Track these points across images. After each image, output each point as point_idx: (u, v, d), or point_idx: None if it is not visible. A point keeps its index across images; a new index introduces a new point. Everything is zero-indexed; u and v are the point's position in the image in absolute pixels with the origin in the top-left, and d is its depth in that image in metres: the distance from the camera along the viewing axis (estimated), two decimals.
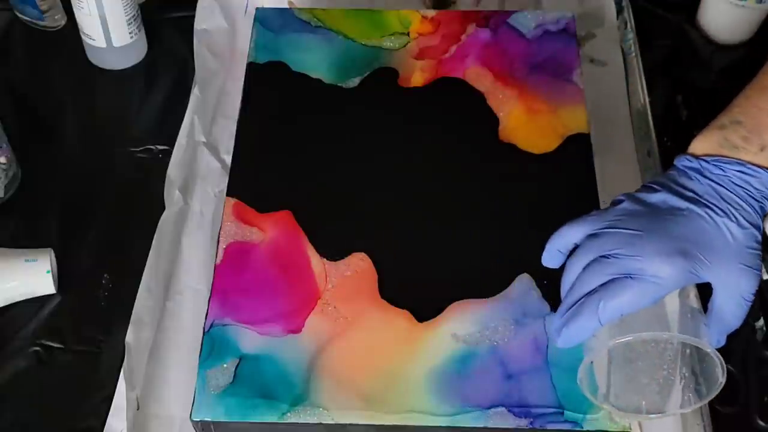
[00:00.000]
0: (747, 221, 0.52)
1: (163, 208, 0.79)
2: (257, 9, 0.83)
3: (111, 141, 0.86)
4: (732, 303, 0.53)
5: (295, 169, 0.73)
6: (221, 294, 0.65)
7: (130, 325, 0.72)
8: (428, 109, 0.76)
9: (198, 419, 0.60)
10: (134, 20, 0.89)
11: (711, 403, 0.69)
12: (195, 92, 0.88)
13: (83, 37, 0.90)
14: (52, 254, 0.74)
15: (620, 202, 0.55)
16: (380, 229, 0.69)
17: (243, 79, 0.79)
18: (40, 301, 0.74)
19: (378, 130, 0.75)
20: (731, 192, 0.53)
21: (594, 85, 0.81)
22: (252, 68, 0.79)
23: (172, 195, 0.80)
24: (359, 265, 0.67)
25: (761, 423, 0.69)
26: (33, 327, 0.73)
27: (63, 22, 0.95)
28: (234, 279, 0.66)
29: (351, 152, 0.74)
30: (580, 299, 0.53)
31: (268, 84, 0.78)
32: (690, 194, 0.53)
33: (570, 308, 0.54)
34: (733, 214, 0.52)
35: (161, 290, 0.75)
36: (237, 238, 0.68)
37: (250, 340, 0.63)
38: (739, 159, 0.53)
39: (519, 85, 0.77)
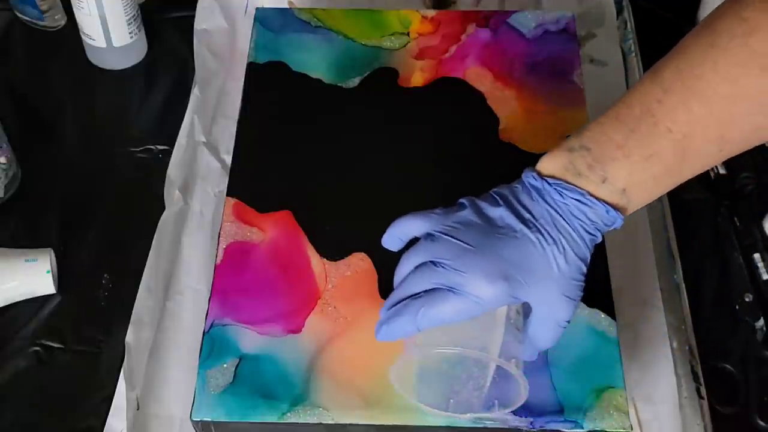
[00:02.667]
0: (575, 254, 0.53)
1: (163, 208, 0.80)
2: (257, 9, 0.83)
3: (111, 141, 0.86)
4: (548, 328, 0.54)
5: (295, 169, 0.73)
6: (221, 294, 0.65)
7: (130, 325, 0.72)
8: (428, 109, 0.76)
9: (198, 419, 0.60)
10: (134, 20, 0.89)
11: (711, 403, 0.69)
12: (195, 92, 0.88)
13: (83, 37, 0.90)
14: (52, 254, 0.75)
15: (464, 206, 0.56)
16: (380, 229, 0.69)
17: (243, 79, 0.79)
18: (40, 301, 0.74)
19: (378, 130, 0.75)
20: (566, 222, 0.53)
21: (594, 85, 0.81)
22: (252, 68, 0.79)
23: (172, 195, 0.80)
24: (359, 265, 0.67)
25: (761, 423, 0.69)
26: (33, 327, 0.73)
27: (63, 22, 0.95)
28: (234, 279, 0.66)
29: (351, 152, 0.74)
30: (405, 299, 0.54)
31: (268, 84, 0.78)
32: (527, 215, 0.53)
33: (394, 306, 0.54)
34: (562, 245, 0.52)
35: (161, 290, 0.75)
36: (237, 238, 0.68)
37: (250, 340, 0.63)
38: (581, 188, 0.52)
39: (519, 85, 0.77)
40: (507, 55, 0.80)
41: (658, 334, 0.73)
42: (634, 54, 0.90)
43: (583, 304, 0.65)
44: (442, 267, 0.53)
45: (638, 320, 0.73)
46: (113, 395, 0.70)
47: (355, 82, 0.78)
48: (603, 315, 0.64)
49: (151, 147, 0.85)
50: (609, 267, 0.67)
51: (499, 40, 0.81)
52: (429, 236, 0.55)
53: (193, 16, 0.93)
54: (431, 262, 0.53)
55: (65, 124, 0.87)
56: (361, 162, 0.73)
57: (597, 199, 0.52)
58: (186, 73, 0.90)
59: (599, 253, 0.68)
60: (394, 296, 0.55)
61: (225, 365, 0.62)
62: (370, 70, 0.79)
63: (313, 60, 0.79)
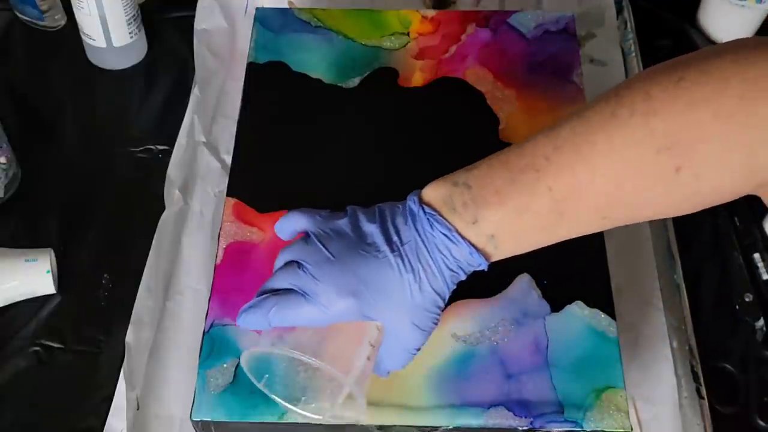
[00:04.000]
0: (431, 286, 0.52)
1: (163, 208, 0.80)
2: (257, 9, 0.83)
3: (111, 141, 0.86)
4: (396, 352, 0.54)
5: (295, 169, 0.73)
6: (221, 294, 0.65)
7: (130, 325, 0.72)
8: (428, 109, 0.76)
9: (198, 419, 0.60)
10: (134, 20, 0.89)
11: (711, 403, 0.69)
12: (195, 92, 0.88)
13: (83, 37, 0.90)
14: (52, 254, 0.75)
15: (346, 214, 0.56)
16: None
17: (243, 79, 0.79)
18: (40, 301, 0.74)
19: (378, 130, 0.75)
20: (429, 253, 0.52)
21: (594, 85, 0.81)
22: (252, 68, 0.79)
23: (172, 195, 0.80)
24: None
25: (761, 423, 0.69)
26: (33, 327, 0.73)
27: (63, 22, 0.95)
28: (234, 279, 0.66)
29: (351, 152, 0.74)
30: (267, 292, 0.55)
31: (268, 84, 0.78)
32: (395, 238, 0.53)
33: (259, 296, 0.55)
34: (420, 276, 0.52)
35: (161, 290, 0.75)
36: (237, 238, 0.68)
37: (250, 340, 0.63)
38: (452, 224, 0.52)
39: (519, 85, 0.77)
40: (507, 55, 0.80)
41: (658, 335, 0.73)
42: (634, 54, 0.90)
43: (583, 304, 0.65)
44: (303, 270, 0.53)
45: (638, 320, 0.73)
46: (113, 395, 0.70)
47: (355, 82, 0.78)
48: (603, 315, 0.64)
49: (151, 147, 0.85)
50: (609, 267, 0.67)
51: (499, 40, 0.81)
52: (306, 236, 0.55)
53: (193, 16, 0.93)
54: (297, 262, 0.54)
55: (65, 124, 0.87)
56: (361, 162, 0.73)
57: (463, 238, 0.52)
58: (186, 73, 0.90)
59: (599, 253, 0.68)
60: (263, 286, 0.55)
61: (225, 365, 0.62)
62: (370, 70, 0.79)
63: (313, 60, 0.79)
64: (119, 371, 0.70)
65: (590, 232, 0.53)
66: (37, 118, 0.88)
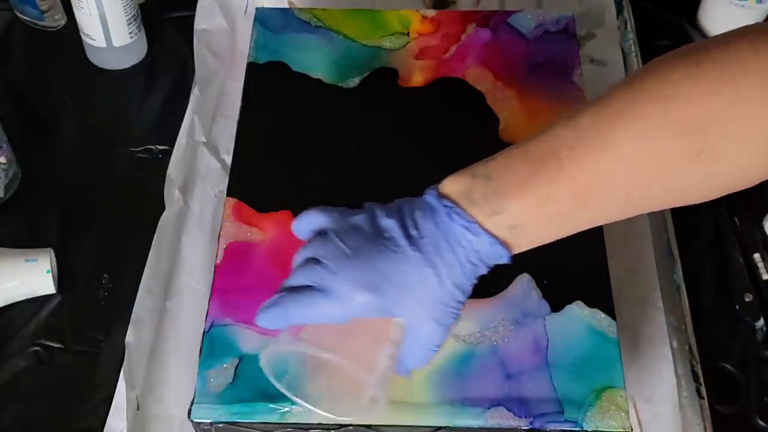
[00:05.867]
0: (451, 282, 0.51)
1: (163, 208, 0.80)
2: (257, 9, 0.83)
3: (111, 141, 0.86)
4: (417, 349, 0.54)
5: (295, 169, 0.73)
6: (221, 294, 0.65)
7: (130, 325, 0.72)
8: (428, 109, 0.76)
9: (198, 419, 0.60)
10: (134, 20, 0.89)
11: (711, 403, 0.69)
12: (195, 92, 0.88)
13: (83, 37, 0.90)
14: (52, 254, 0.75)
15: (364, 210, 0.55)
16: None
17: (243, 79, 0.79)
18: (40, 301, 0.74)
19: (378, 131, 0.75)
20: (450, 249, 0.51)
21: (594, 85, 0.81)
22: (252, 68, 0.79)
23: (172, 195, 0.80)
24: None
25: (761, 423, 0.69)
26: (33, 327, 0.73)
27: (63, 22, 0.95)
28: (234, 279, 0.66)
29: (351, 152, 0.74)
30: (286, 289, 0.54)
31: (268, 84, 0.78)
32: (414, 232, 0.52)
33: (278, 293, 0.54)
34: (440, 270, 0.51)
35: (161, 290, 0.75)
36: (237, 238, 0.68)
37: (250, 340, 0.63)
38: (472, 216, 0.51)
39: (519, 85, 0.77)
40: (507, 55, 0.80)
41: (658, 334, 0.73)
42: (634, 54, 0.90)
43: (583, 304, 0.65)
44: (322, 267, 0.52)
45: (638, 320, 0.73)
46: (113, 395, 0.70)
47: (355, 82, 0.78)
48: (603, 315, 0.64)
49: (151, 147, 0.85)
50: (609, 267, 0.67)
51: (499, 40, 0.81)
52: (323, 233, 0.55)
53: (193, 16, 0.93)
54: (315, 259, 0.53)
55: (65, 124, 0.87)
56: (361, 162, 0.73)
57: (484, 230, 0.51)
58: (186, 73, 0.90)
59: (599, 252, 0.68)
60: (283, 284, 0.55)
61: (225, 365, 0.62)
62: (370, 70, 0.79)
63: (313, 60, 0.79)
64: (119, 371, 0.70)
65: (613, 220, 0.53)
66: (37, 118, 0.88)
